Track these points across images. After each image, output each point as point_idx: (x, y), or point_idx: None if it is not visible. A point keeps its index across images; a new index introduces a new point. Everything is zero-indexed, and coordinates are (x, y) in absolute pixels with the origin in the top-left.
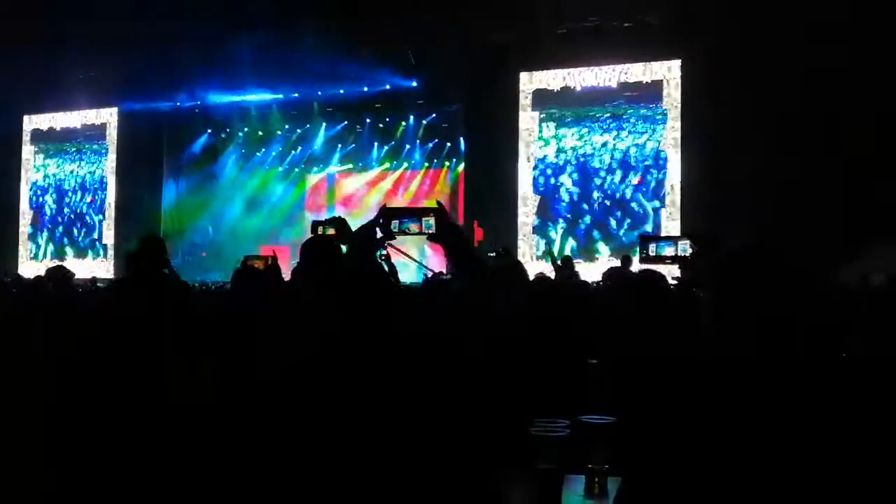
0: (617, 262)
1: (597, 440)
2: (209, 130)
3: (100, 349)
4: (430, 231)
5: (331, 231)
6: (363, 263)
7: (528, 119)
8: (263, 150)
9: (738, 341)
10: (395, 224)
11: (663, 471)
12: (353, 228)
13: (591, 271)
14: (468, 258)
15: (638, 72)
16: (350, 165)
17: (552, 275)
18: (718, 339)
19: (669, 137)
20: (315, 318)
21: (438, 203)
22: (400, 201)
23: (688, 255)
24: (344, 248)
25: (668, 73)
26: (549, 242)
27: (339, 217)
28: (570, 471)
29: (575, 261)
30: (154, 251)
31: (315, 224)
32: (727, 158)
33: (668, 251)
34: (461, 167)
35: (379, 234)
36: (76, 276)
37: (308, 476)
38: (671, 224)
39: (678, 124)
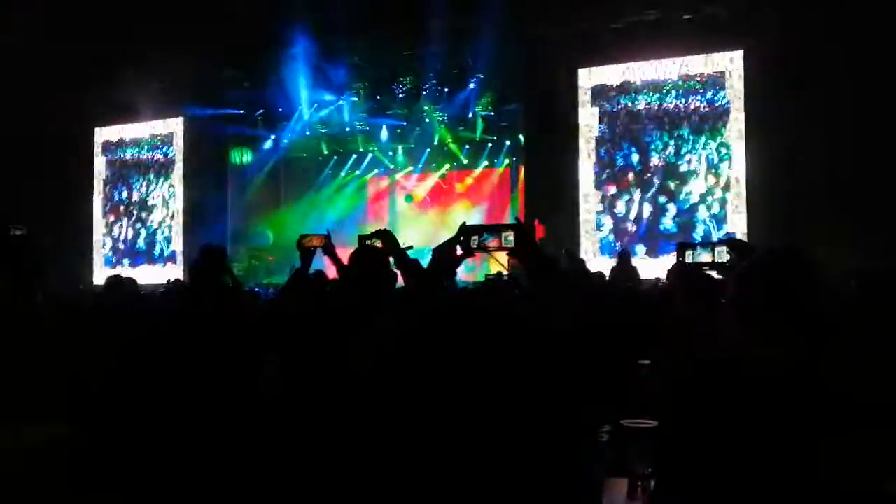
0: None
1: (640, 444)
2: (273, 136)
3: (149, 352)
4: (510, 246)
5: (377, 243)
6: (445, 278)
7: (587, 115)
8: (327, 153)
9: (761, 345)
10: (474, 240)
11: (703, 473)
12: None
13: (654, 268)
14: (548, 274)
15: (699, 64)
16: (410, 168)
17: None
18: (739, 343)
19: (733, 129)
20: (368, 332)
21: (517, 219)
22: (461, 202)
23: (725, 261)
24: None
25: (730, 64)
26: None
27: (385, 230)
28: (613, 474)
29: (640, 258)
30: (212, 262)
31: (362, 238)
32: (792, 150)
33: (705, 257)
34: (521, 165)
35: (459, 251)
36: (148, 283)
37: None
38: (737, 217)
39: (741, 116)
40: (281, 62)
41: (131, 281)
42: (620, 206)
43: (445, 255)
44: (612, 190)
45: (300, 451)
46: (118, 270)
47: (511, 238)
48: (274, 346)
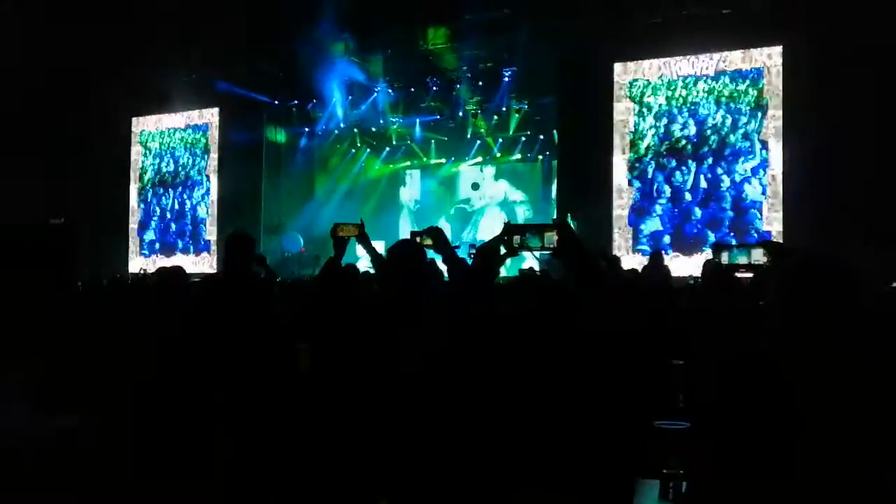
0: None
1: (672, 445)
2: (306, 128)
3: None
4: (552, 246)
5: (428, 242)
6: (490, 278)
7: (622, 109)
8: (361, 145)
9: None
10: (517, 239)
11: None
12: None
13: (688, 266)
14: (590, 275)
15: (737, 59)
16: (443, 160)
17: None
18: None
19: (770, 126)
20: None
21: (560, 219)
22: (493, 194)
23: (762, 264)
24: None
25: (768, 59)
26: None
27: (437, 228)
28: (646, 475)
29: (672, 255)
30: (240, 250)
31: (413, 234)
32: (831, 148)
33: (742, 260)
34: (555, 159)
35: (503, 251)
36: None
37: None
38: (773, 216)
39: (779, 113)
40: (315, 53)
41: (180, 271)
42: (656, 202)
43: (489, 255)
44: (648, 185)
45: (335, 443)
46: (154, 260)
47: (554, 238)
48: (308, 339)
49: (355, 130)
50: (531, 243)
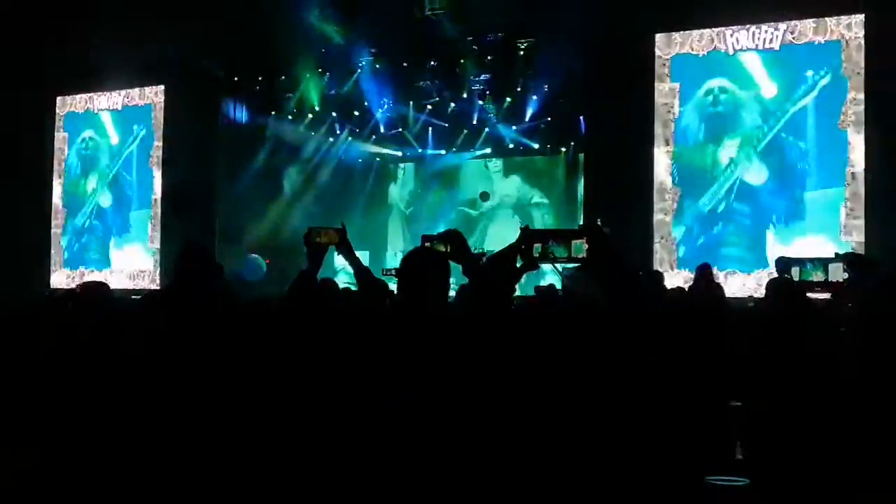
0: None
1: None
2: (273, 111)
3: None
4: (581, 257)
5: (441, 248)
6: (503, 295)
7: (665, 92)
8: (340, 132)
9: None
10: (537, 248)
11: None
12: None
13: (746, 284)
14: (629, 294)
15: (808, 30)
16: (442, 151)
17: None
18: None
19: (849, 113)
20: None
21: (590, 224)
22: (504, 193)
23: (842, 281)
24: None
25: (847, 31)
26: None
27: (454, 231)
28: None
29: (727, 270)
30: (194, 261)
31: (425, 238)
32: None
33: (817, 276)
34: (581, 152)
35: (519, 262)
36: (117, 288)
37: None
38: (853, 223)
39: (861, 96)
40: (285, 17)
41: (103, 288)
42: (705, 206)
43: (503, 267)
44: (695, 185)
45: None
46: (82, 274)
47: (583, 247)
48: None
49: (334, 114)
50: (556, 253)
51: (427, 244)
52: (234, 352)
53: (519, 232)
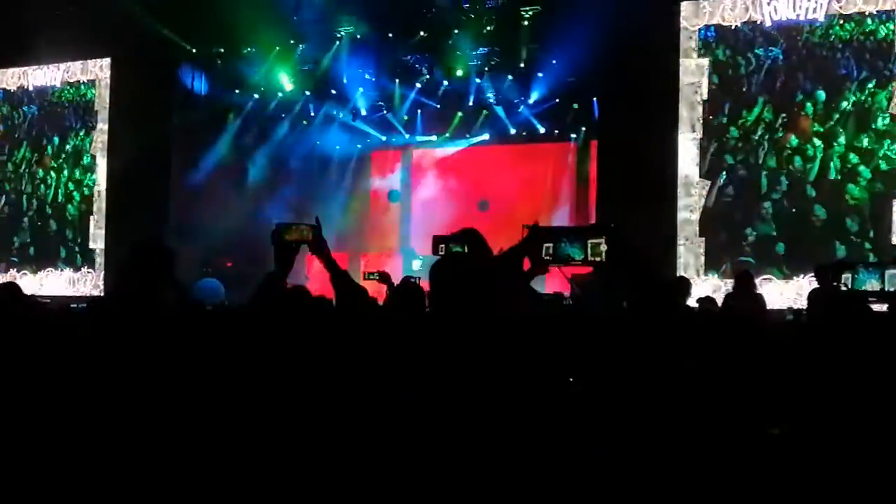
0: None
1: None
2: (237, 89)
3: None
4: (599, 260)
5: (458, 249)
6: (509, 302)
7: (692, 69)
8: (315, 114)
9: None
10: (548, 249)
11: None
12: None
13: (785, 293)
14: (655, 302)
15: None
16: (433, 136)
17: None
18: None
19: None
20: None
21: (604, 224)
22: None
23: None
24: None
25: None
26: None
27: (471, 230)
28: None
29: (764, 277)
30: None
31: (437, 240)
32: None
33: (872, 284)
34: (594, 139)
35: (528, 265)
36: (58, 294)
37: None
38: None
39: None
40: None
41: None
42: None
43: (509, 270)
44: (728, 178)
45: None
46: (13, 277)
47: (602, 248)
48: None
49: (307, 93)
50: (570, 255)
51: (441, 246)
52: (190, 369)
53: (527, 230)
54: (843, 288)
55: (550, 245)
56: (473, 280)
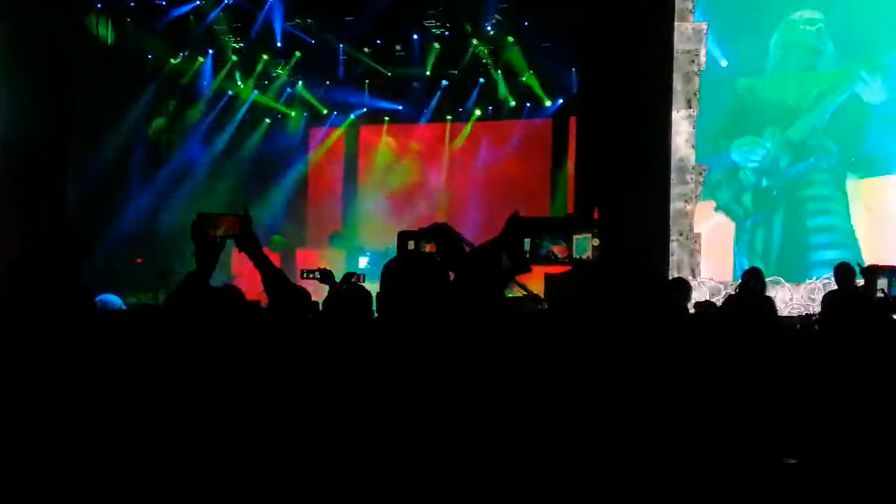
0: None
1: None
2: (144, 31)
3: None
4: (587, 257)
5: (429, 247)
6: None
7: (687, 34)
8: (245, 83)
9: None
10: (527, 244)
11: None
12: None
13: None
14: (653, 299)
15: None
16: (387, 118)
17: None
18: None
19: None
20: None
21: (585, 215)
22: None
23: None
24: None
25: None
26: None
27: (442, 225)
28: None
29: (771, 279)
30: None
31: (404, 236)
32: None
33: None
34: (573, 115)
35: (507, 263)
36: None
37: None
38: None
39: None
40: None
41: None
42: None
43: (485, 270)
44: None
45: None
46: None
47: (587, 245)
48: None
49: (233, 57)
50: (554, 252)
51: (410, 242)
52: (94, 381)
53: (508, 220)
54: (880, 295)
55: (529, 240)
56: (435, 284)
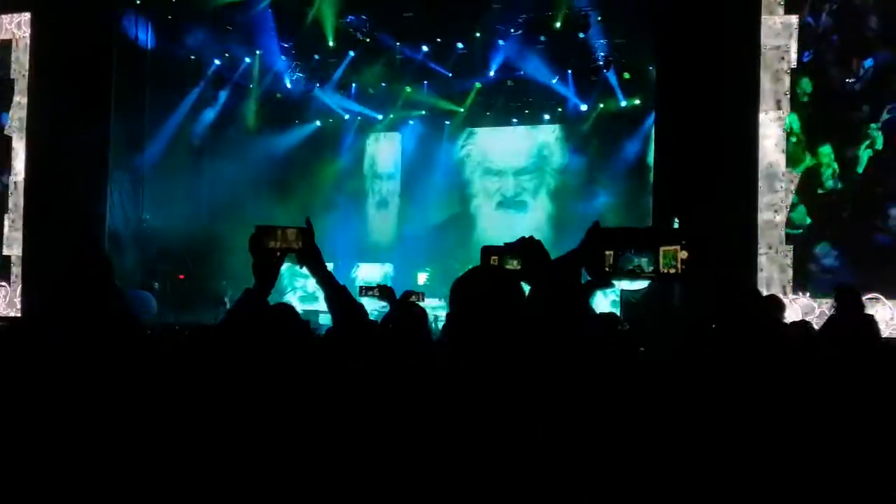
0: None
1: None
2: (192, 57)
3: None
4: (672, 272)
5: (514, 263)
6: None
7: (776, 28)
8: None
9: None
10: (609, 257)
11: None
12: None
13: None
14: (749, 316)
15: None
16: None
17: None
18: None
19: None
20: None
21: (665, 224)
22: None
23: None
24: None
25: None
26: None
27: (530, 239)
28: None
29: (869, 295)
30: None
31: (488, 251)
32: None
33: None
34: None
35: (586, 277)
36: None
37: None
38: None
39: None
40: None
41: None
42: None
43: (567, 286)
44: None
45: None
46: None
47: (677, 258)
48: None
49: (285, 44)
50: (640, 266)
51: (493, 258)
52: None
53: (589, 229)
54: None
55: (611, 253)
56: (513, 303)
